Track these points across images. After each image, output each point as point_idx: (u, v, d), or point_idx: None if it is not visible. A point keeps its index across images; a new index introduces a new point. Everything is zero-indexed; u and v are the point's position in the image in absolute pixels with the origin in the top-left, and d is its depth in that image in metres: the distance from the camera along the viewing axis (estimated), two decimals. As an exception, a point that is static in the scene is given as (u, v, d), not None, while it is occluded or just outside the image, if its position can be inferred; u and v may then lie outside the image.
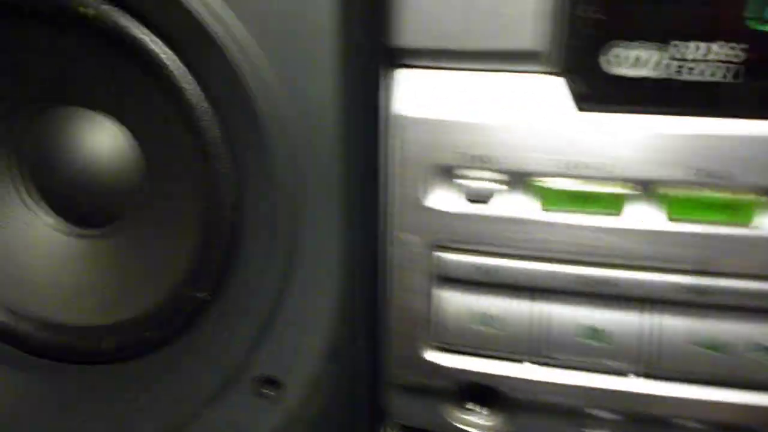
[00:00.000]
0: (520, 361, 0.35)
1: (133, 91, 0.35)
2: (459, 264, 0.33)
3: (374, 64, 0.33)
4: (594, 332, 0.33)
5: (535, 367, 0.35)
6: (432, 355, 0.36)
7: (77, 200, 0.40)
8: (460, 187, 0.33)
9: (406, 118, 0.33)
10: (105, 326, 0.39)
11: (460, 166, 0.33)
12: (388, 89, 0.33)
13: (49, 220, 0.40)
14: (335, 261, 0.34)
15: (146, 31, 0.32)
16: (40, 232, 0.40)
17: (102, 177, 0.39)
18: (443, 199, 0.33)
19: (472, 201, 0.33)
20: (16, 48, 0.35)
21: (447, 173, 0.33)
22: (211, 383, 0.36)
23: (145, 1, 0.31)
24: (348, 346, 0.36)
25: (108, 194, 0.39)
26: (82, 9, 0.32)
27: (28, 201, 0.40)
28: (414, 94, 0.32)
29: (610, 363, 0.33)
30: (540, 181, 0.32)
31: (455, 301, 0.34)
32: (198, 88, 0.33)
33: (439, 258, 0.34)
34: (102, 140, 0.38)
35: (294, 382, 0.36)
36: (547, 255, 0.33)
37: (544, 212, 0.32)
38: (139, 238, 0.39)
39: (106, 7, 0.32)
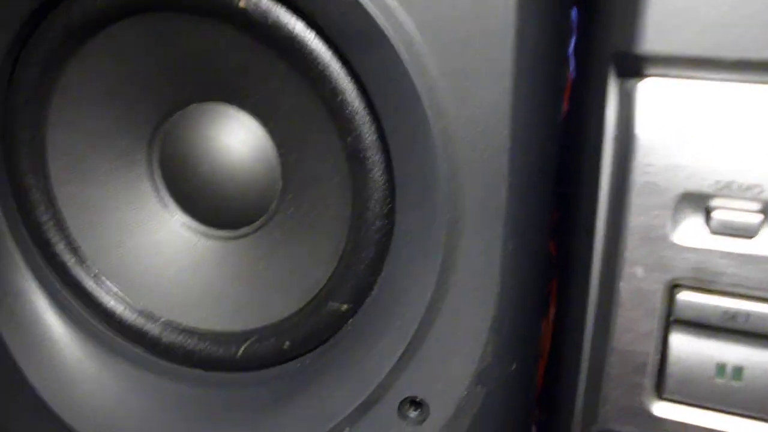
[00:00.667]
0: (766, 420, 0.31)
1: (281, 90, 0.34)
2: (703, 307, 0.29)
3: (594, 72, 0.30)
4: None
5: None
6: (659, 407, 0.31)
7: (214, 201, 0.38)
8: (715, 219, 0.28)
9: (649, 137, 0.28)
10: (239, 333, 0.38)
11: (716, 195, 0.28)
12: (622, 103, 0.28)
13: (184, 220, 0.39)
14: (493, 280, 0.32)
15: (307, 27, 0.30)
16: (174, 233, 0.40)
17: (241, 178, 0.37)
18: (692, 232, 0.28)
19: (730, 235, 0.28)
20: (167, 43, 0.35)
21: (699, 202, 0.28)
22: (351, 402, 0.34)
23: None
24: (499, 369, 0.34)
25: (247, 196, 0.38)
26: (242, 5, 0.30)
27: (166, 200, 0.39)
28: (660, 109, 0.27)
29: None
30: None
31: (693, 348, 0.29)
32: (357, 91, 0.31)
33: (678, 298, 0.29)
34: (243, 140, 0.37)
35: (439, 404, 0.34)
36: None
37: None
38: (278, 243, 0.38)
39: (265, 3, 0.30)
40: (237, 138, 0.37)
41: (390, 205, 0.32)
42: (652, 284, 0.29)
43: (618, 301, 0.30)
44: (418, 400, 0.34)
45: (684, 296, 0.29)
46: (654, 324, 0.30)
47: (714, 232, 0.28)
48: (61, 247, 0.39)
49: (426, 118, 0.29)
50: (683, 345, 0.29)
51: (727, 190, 0.27)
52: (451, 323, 0.33)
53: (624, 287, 0.30)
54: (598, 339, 0.29)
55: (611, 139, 0.28)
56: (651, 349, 0.30)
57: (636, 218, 0.29)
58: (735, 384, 0.29)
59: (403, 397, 0.34)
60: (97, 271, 0.39)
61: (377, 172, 0.32)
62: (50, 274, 0.39)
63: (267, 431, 0.36)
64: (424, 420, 0.34)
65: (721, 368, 0.29)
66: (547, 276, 0.37)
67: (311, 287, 0.36)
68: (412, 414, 0.34)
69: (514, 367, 0.35)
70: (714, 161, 0.27)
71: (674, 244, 0.28)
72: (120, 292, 0.39)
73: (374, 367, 0.33)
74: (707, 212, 0.28)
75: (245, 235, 0.39)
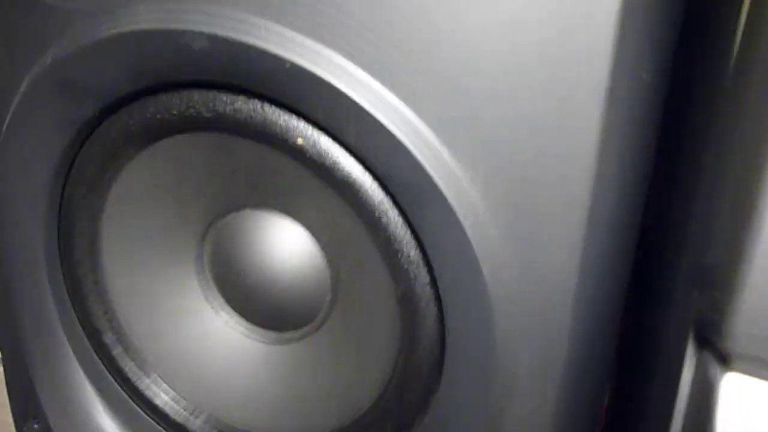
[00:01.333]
0: None
1: (337, 219, 0.33)
2: None
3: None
4: None
5: None
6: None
7: (261, 305, 0.38)
8: None
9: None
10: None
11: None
12: (701, 384, 0.25)
13: (231, 319, 0.39)
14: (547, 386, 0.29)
15: (365, 171, 0.29)
16: (220, 330, 0.39)
17: (290, 285, 0.37)
18: None
19: None
20: (225, 156, 0.34)
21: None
22: None
23: (369, 147, 0.28)
24: None
25: (294, 303, 0.37)
26: (300, 142, 0.29)
27: (214, 297, 0.39)
28: (743, 410, 0.23)
29: None
30: None
31: None
32: (413, 242, 0.29)
33: None
34: (294, 250, 0.36)
35: None
36: None
37: None
38: (324, 355, 0.37)
39: (324, 144, 0.29)
40: (289, 247, 0.36)
41: (440, 357, 0.31)
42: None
43: None
44: None
45: None
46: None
47: None
48: (109, 336, 0.39)
49: (485, 285, 0.27)
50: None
51: None
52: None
53: None
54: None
55: (682, 411, 0.25)
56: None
57: None
58: None
59: None
60: (143, 361, 0.39)
61: (429, 322, 0.30)
62: (99, 364, 0.39)
63: None
64: None
65: None
66: None
67: (352, 411, 0.35)
68: None
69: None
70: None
71: None
72: (165, 385, 0.39)
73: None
74: None
75: (290, 341, 0.38)
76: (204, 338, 0.39)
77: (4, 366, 0.40)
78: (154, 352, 0.39)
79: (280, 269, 0.37)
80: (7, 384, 0.41)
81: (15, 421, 0.41)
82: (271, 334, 0.38)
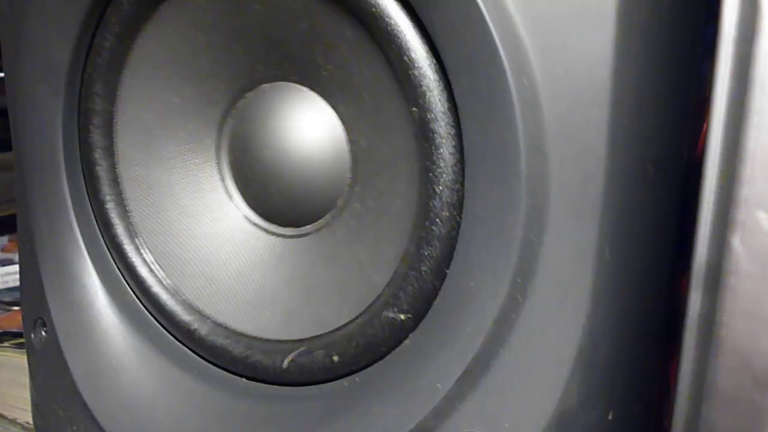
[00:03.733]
0: None
1: (350, 62, 0.30)
2: None
3: None
4: None
5: None
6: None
7: (280, 192, 0.35)
8: None
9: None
10: (288, 342, 0.34)
11: None
12: None
13: (248, 213, 0.36)
14: (582, 294, 0.25)
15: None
16: (236, 226, 0.36)
17: (309, 166, 0.34)
18: None
19: None
20: (237, 8, 0.32)
21: None
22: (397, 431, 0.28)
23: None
24: (586, 416, 0.26)
25: (313, 187, 0.34)
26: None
27: (231, 189, 0.36)
28: None
29: None
30: None
31: None
32: (426, 51, 0.26)
33: None
34: (313, 124, 0.33)
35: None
36: None
37: None
38: (341, 243, 0.33)
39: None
40: (307, 122, 0.34)
41: (460, 192, 0.27)
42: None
43: (728, 267, 0.18)
44: (479, 442, 0.27)
45: None
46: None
47: None
48: (120, 230, 0.37)
49: (504, 75, 0.24)
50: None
51: None
52: (526, 345, 0.26)
53: (737, 244, 0.18)
54: (702, 336, 0.19)
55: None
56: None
57: (760, 129, 0.17)
58: None
59: (461, 432, 0.27)
60: (153, 259, 0.37)
61: (447, 150, 0.26)
62: (108, 257, 0.37)
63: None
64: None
65: None
66: (669, 299, 0.29)
67: (369, 294, 0.31)
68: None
69: (610, 416, 0.27)
70: None
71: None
72: (173, 285, 0.36)
73: (427, 391, 0.27)
74: None
75: (308, 234, 0.35)
76: (219, 236, 0.36)
77: (20, 264, 0.39)
78: (165, 249, 0.37)
79: (298, 151, 0.34)
80: (21, 285, 0.39)
81: (25, 329, 0.39)
82: (290, 230, 0.35)
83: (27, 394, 0.39)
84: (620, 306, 0.26)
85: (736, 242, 0.18)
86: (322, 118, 0.33)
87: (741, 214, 0.18)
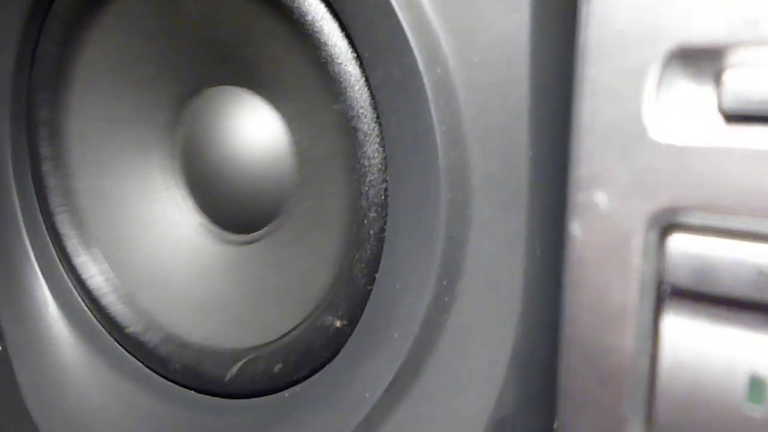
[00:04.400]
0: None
1: (284, 60, 0.29)
2: (718, 263, 0.15)
3: None
4: None
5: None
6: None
7: (228, 199, 0.34)
8: (729, 88, 0.14)
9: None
10: (235, 351, 0.32)
11: (731, 45, 0.15)
12: None
13: (201, 220, 0.35)
14: (513, 293, 0.23)
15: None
16: (188, 233, 0.35)
17: (258, 171, 0.33)
18: (690, 119, 0.15)
19: (757, 120, 0.14)
20: (173, 11, 0.31)
21: (704, 60, 0.15)
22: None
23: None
24: (523, 423, 0.24)
25: (263, 191, 0.33)
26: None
27: (184, 197, 0.35)
28: None
29: None
30: None
31: (699, 341, 0.15)
32: (349, 50, 0.25)
33: (671, 247, 0.16)
34: (258, 126, 0.33)
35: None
36: None
37: None
38: (288, 246, 0.32)
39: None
40: (251, 126, 0.33)
41: (384, 191, 0.25)
42: (626, 221, 0.16)
43: (572, 256, 0.16)
44: (414, 451, 0.25)
45: (682, 243, 0.15)
46: (634, 296, 0.16)
47: (728, 114, 0.15)
48: (71, 242, 0.36)
49: (415, 64, 0.22)
50: (682, 333, 0.15)
51: (743, 34, 0.14)
52: (456, 350, 0.24)
53: (577, 230, 0.16)
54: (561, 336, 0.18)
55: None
56: (627, 343, 0.16)
57: (594, 98, 0.16)
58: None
59: (392, 442, 0.25)
60: (106, 268, 0.36)
61: (371, 147, 0.25)
62: (60, 269, 0.36)
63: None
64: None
65: (757, 385, 0.15)
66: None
67: (311, 300, 0.30)
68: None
69: (555, 425, 0.25)
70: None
71: (657, 144, 0.15)
72: (127, 294, 0.35)
73: (356, 401, 0.26)
74: (717, 77, 0.15)
75: (259, 239, 0.34)
76: (171, 244, 0.36)
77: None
78: (117, 259, 0.36)
79: (246, 155, 0.33)
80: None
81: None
82: (241, 237, 0.34)
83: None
84: (556, 306, 0.24)
85: (576, 228, 0.16)
86: (266, 121, 0.32)
87: (580, 197, 0.16)
